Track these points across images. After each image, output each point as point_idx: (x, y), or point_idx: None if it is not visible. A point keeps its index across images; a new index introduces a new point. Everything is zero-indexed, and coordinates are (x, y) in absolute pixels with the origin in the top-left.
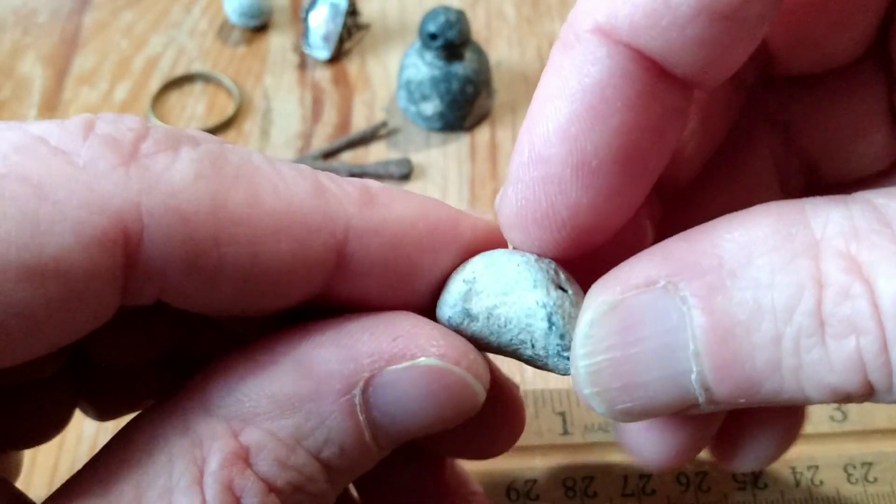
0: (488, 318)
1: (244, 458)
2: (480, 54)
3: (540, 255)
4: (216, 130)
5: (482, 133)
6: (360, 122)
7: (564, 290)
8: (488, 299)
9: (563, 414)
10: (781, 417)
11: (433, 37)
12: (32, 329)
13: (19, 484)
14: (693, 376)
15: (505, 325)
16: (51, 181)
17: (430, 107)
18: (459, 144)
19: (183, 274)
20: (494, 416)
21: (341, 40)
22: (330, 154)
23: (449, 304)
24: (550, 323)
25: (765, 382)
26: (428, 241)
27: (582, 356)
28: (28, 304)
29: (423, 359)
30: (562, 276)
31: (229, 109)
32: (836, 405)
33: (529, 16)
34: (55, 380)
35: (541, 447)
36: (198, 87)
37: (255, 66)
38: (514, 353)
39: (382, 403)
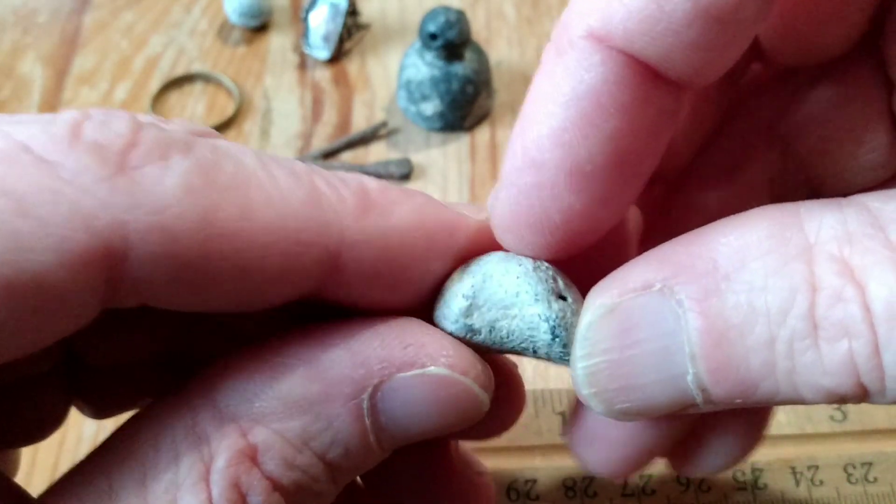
0: (490, 331)
1: (251, 456)
2: (480, 54)
3: (535, 258)
4: (216, 130)
5: (482, 133)
6: (360, 122)
7: (565, 299)
8: (489, 313)
9: (563, 414)
10: (739, 424)
11: (433, 37)
12: (6, 338)
13: (19, 482)
14: (690, 378)
15: (507, 337)
16: (34, 196)
17: (430, 107)
18: (459, 144)
19: (168, 284)
20: (495, 396)
21: (341, 40)
22: (330, 154)
23: (450, 320)
24: (554, 335)
25: (760, 384)
26: (423, 250)
27: (580, 358)
28: (4, 317)
29: (432, 368)
30: (560, 282)
31: (229, 109)
32: (835, 405)
33: (529, 16)
34: (48, 377)
35: (541, 447)
36: (198, 87)
37: (255, 66)
38: (517, 355)
39: (390, 408)
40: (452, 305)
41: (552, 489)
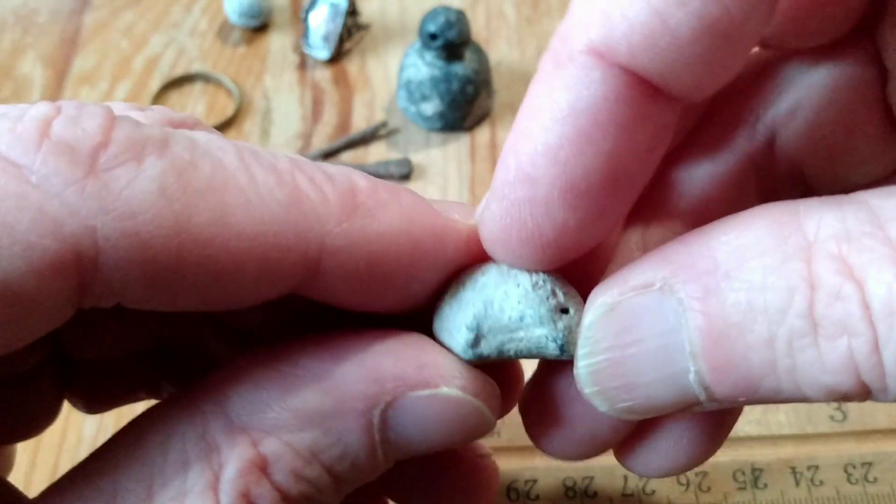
0: (499, 353)
1: (261, 467)
2: (480, 54)
3: (529, 271)
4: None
5: (482, 133)
6: (360, 122)
7: (567, 311)
8: (496, 339)
9: None
10: (685, 428)
11: (433, 37)
12: None
13: (19, 484)
14: (691, 376)
15: (516, 354)
16: (0, 201)
17: (430, 107)
18: (459, 144)
19: (141, 288)
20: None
21: (341, 40)
22: (330, 154)
23: (458, 350)
24: (562, 351)
25: (761, 382)
26: (407, 258)
27: (582, 356)
28: None
29: (444, 389)
30: (560, 295)
31: (229, 109)
32: (835, 405)
33: (529, 16)
34: (38, 372)
35: None
36: (198, 87)
37: (255, 66)
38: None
39: (399, 425)
40: (458, 337)
41: (552, 489)
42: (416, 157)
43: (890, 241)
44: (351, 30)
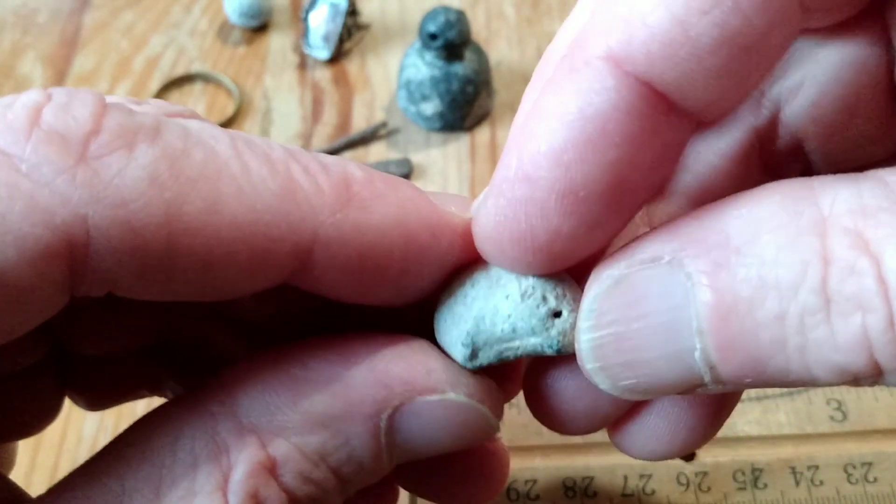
0: (499, 359)
1: (270, 469)
2: (480, 54)
3: (518, 276)
4: None
5: (482, 133)
6: (360, 122)
7: (560, 313)
8: (492, 350)
9: None
10: (679, 410)
11: (433, 37)
12: None
13: (19, 483)
14: (697, 354)
15: (517, 357)
16: None
17: (430, 107)
18: (459, 144)
19: (132, 277)
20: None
21: (341, 40)
22: (330, 154)
23: (459, 362)
24: (559, 352)
25: (770, 361)
26: (401, 251)
27: (585, 330)
28: None
29: (451, 394)
30: (552, 299)
31: (229, 109)
32: (835, 405)
33: (529, 16)
34: (39, 369)
35: (541, 447)
36: (198, 87)
37: (255, 66)
38: None
39: (406, 429)
40: (455, 352)
41: (552, 489)
42: (416, 157)
43: None
44: (351, 30)
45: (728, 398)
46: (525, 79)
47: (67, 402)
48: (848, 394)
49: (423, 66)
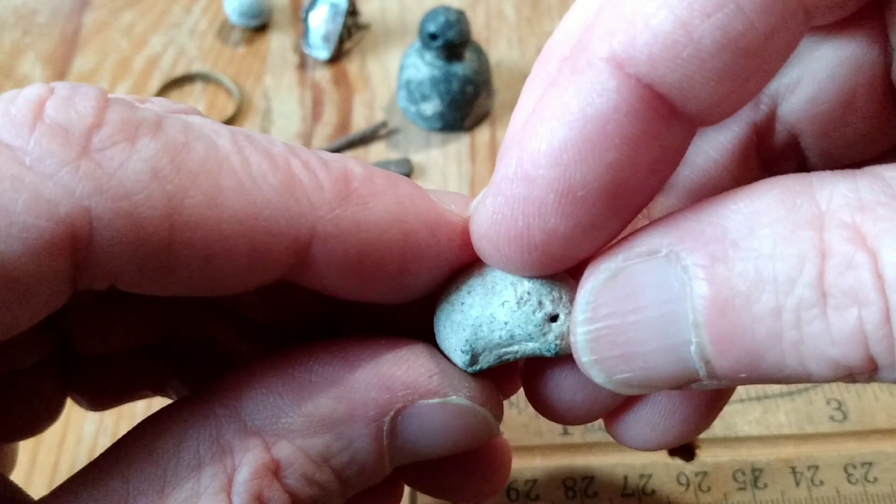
0: (500, 361)
1: (274, 470)
2: (480, 54)
3: (514, 280)
4: None
5: (482, 133)
6: (360, 122)
7: (556, 317)
8: (492, 354)
9: None
10: (674, 400)
11: (433, 37)
12: None
13: (18, 483)
14: (692, 348)
15: (514, 359)
16: None
17: (430, 107)
18: (459, 144)
19: (134, 269)
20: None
21: (341, 40)
22: None
23: (460, 367)
24: (557, 354)
25: (766, 356)
26: (399, 248)
27: (581, 322)
28: None
29: (454, 398)
30: (548, 304)
31: (229, 109)
32: (835, 405)
33: (529, 16)
34: (42, 369)
35: (541, 447)
36: (198, 87)
37: (255, 66)
38: None
39: (408, 432)
40: (455, 358)
41: (552, 489)
42: (416, 157)
43: None
44: (351, 30)
45: (722, 390)
46: (525, 79)
47: (68, 402)
48: (848, 393)
49: (423, 66)
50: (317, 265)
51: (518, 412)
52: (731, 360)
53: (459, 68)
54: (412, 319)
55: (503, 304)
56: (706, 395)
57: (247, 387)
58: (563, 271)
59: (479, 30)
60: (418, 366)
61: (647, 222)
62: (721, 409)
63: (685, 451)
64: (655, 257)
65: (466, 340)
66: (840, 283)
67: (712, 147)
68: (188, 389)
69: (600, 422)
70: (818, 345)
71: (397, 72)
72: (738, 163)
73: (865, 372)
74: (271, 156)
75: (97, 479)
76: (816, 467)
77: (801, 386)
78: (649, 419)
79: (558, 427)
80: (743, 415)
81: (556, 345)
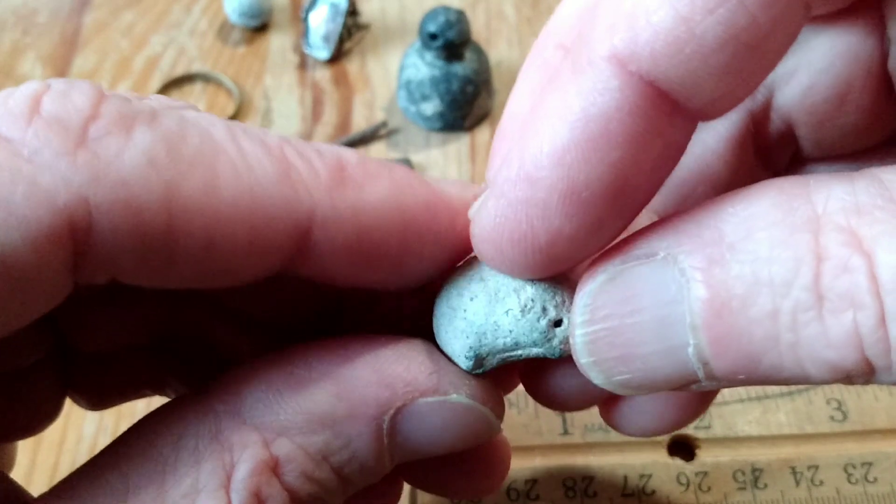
0: (503, 363)
1: (273, 468)
2: (480, 54)
3: (517, 286)
4: None
5: (482, 133)
6: (360, 122)
7: (560, 322)
8: (495, 358)
9: (563, 414)
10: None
11: (433, 37)
12: None
13: (19, 483)
14: (690, 350)
15: (519, 360)
16: None
17: (430, 107)
18: (459, 144)
19: (134, 260)
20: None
21: (341, 40)
22: None
23: (463, 369)
24: (561, 356)
25: (763, 358)
26: (399, 228)
27: (580, 324)
28: None
29: (454, 396)
30: (552, 310)
31: (229, 109)
32: (835, 405)
33: (529, 16)
34: (41, 368)
35: (541, 447)
36: (198, 87)
37: (255, 66)
38: None
39: (408, 430)
40: (459, 361)
41: (552, 489)
42: (416, 157)
43: None
44: (351, 30)
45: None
46: None
47: (68, 402)
48: (848, 393)
49: (423, 66)
50: (317, 251)
51: (518, 412)
52: (729, 361)
53: (459, 68)
54: (411, 316)
55: (507, 312)
56: None
57: (246, 384)
58: (563, 272)
59: (479, 30)
60: (418, 363)
61: (647, 217)
62: (714, 397)
63: (685, 450)
64: (653, 260)
65: (471, 347)
66: (836, 286)
67: (709, 136)
68: (187, 388)
69: (600, 422)
70: (814, 347)
71: (397, 72)
72: (734, 152)
73: (862, 374)
74: (266, 145)
75: (96, 476)
76: (816, 467)
77: (800, 386)
78: (645, 406)
79: (558, 427)
80: (743, 415)
81: (560, 349)
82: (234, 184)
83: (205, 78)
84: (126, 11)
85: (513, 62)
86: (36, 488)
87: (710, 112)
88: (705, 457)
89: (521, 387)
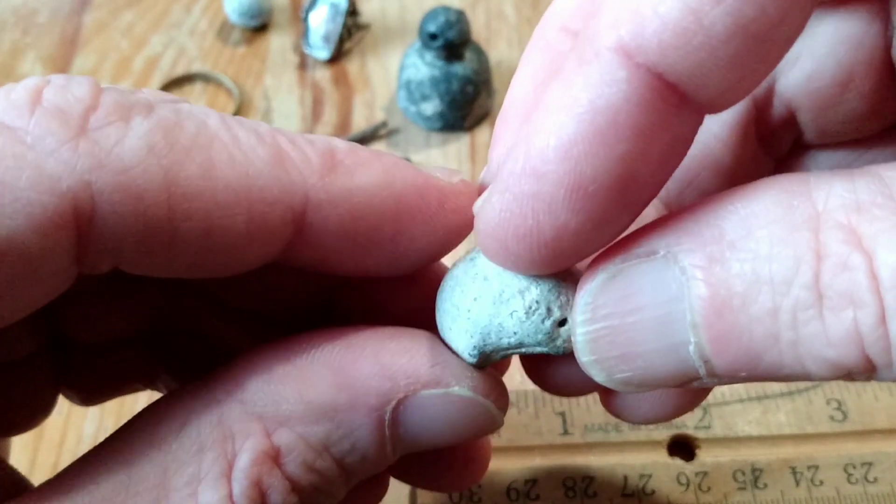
0: (506, 356)
1: (274, 457)
2: (480, 54)
3: (521, 284)
4: None
5: (482, 133)
6: (360, 122)
7: (564, 322)
8: (499, 354)
9: (563, 414)
10: None
11: (433, 37)
12: None
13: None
14: (691, 348)
15: (522, 355)
16: None
17: (430, 107)
18: (459, 144)
19: (137, 246)
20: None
21: (341, 40)
22: None
23: (467, 361)
24: (564, 353)
25: (764, 355)
26: (392, 210)
27: (580, 323)
28: None
29: (456, 388)
30: (556, 310)
31: (229, 109)
32: (835, 405)
33: (529, 16)
34: (34, 362)
35: (541, 447)
36: (198, 87)
37: (255, 66)
38: None
39: (410, 422)
40: (463, 357)
41: (552, 489)
42: (416, 157)
43: None
44: (351, 30)
45: None
46: None
47: (68, 403)
48: (848, 393)
49: (423, 66)
50: (312, 236)
51: (518, 412)
52: (730, 359)
53: (459, 68)
54: (404, 307)
55: (511, 314)
56: None
57: (249, 373)
58: (567, 268)
59: (479, 30)
60: (420, 355)
61: (653, 209)
62: (713, 387)
63: (685, 450)
64: (653, 258)
65: (475, 346)
66: (836, 284)
67: (712, 121)
68: (178, 383)
69: (600, 422)
70: (815, 345)
71: (397, 72)
72: (737, 137)
73: (863, 372)
74: (259, 134)
75: (99, 463)
76: (816, 467)
77: (800, 386)
78: (648, 396)
79: (558, 427)
80: (743, 415)
81: (563, 348)
82: (230, 169)
83: (205, 78)
84: (126, 11)
85: (513, 62)
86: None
87: (718, 104)
88: (705, 457)
89: (521, 387)
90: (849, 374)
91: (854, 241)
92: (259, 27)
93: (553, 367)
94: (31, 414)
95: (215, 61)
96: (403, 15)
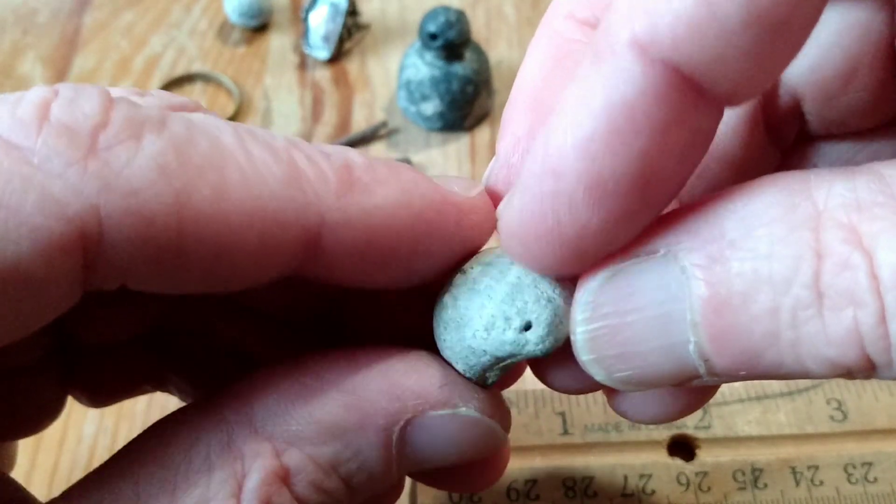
0: (506, 370)
1: (283, 477)
2: (480, 54)
3: (482, 299)
4: None
5: (482, 133)
6: (360, 122)
7: (530, 323)
8: (492, 371)
9: (563, 414)
10: None
11: (433, 37)
12: None
13: (18, 483)
14: (691, 347)
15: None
16: (3, 184)
17: (430, 107)
18: (459, 144)
19: (144, 268)
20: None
21: (341, 40)
22: None
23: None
24: (546, 354)
25: (764, 355)
26: (409, 230)
27: (580, 322)
28: None
29: (463, 409)
30: (514, 317)
31: (229, 109)
32: (835, 405)
33: (529, 16)
34: (42, 365)
35: (541, 447)
36: (198, 87)
37: (255, 66)
38: None
39: (417, 442)
40: (464, 375)
41: (552, 489)
42: (416, 157)
43: None
44: (351, 30)
45: None
46: None
47: (68, 403)
48: (848, 393)
49: (423, 66)
50: (328, 255)
51: (518, 412)
52: (730, 358)
53: (459, 68)
54: (414, 313)
55: (474, 335)
56: None
57: (257, 393)
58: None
59: (479, 30)
60: (428, 376)
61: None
62: (720, 386)
63: (685, 451)
64: (653, 258)
65: (463, 371)
66: (836, 283)
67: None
68: (187, 384)
69: (600, 422)
70: (815, 345)
71: (397, 72)
72: (745, 127)
73: (863, 371)
74: (274, 149)
75: (107, 482)
76: (816, 467)
77: (800, 386)
78: (655, 395)
79: (558, 427)
80: (743, 415)
81: (540, 349)
82: (244, 190)
83: (205, 78)
84: (126, 11)
85: (513, 62)
86: (36, 488)
87: (737, 97)
88: (705, 457)
89: (521, 387)
90: (849, 373)
91: (854, 241)
92: (259, 27)
93: (556, 366)
94: (38, 417)
95: (215, 61)
96: (403, 15)
